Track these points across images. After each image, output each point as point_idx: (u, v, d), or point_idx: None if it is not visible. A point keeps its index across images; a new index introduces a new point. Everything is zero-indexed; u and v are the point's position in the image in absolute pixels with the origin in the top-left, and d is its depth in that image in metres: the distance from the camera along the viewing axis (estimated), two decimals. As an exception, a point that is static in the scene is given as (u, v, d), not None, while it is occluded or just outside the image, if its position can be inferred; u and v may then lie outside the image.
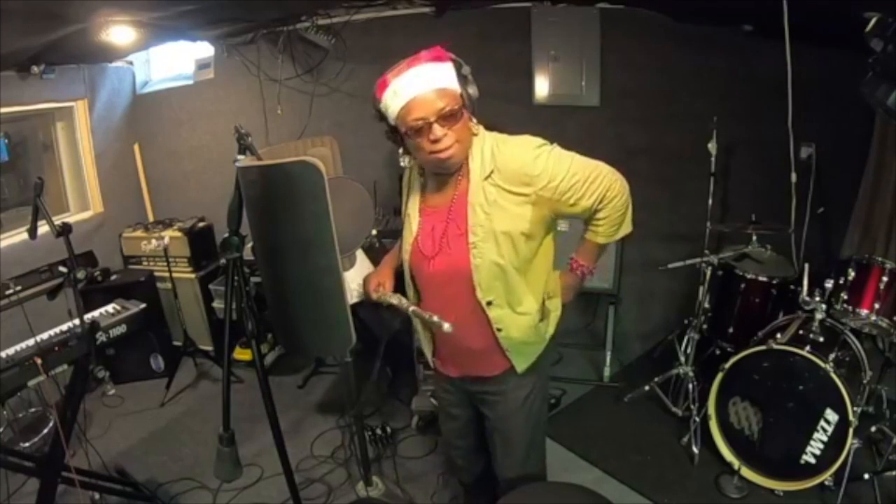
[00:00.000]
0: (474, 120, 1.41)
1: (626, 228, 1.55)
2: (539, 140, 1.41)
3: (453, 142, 1.35)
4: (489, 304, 1.46)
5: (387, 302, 1.57)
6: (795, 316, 2.51)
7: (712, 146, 2.79)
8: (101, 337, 2.03)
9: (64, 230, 1.93)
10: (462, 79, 1.35)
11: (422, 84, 1.30)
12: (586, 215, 1.50)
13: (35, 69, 3.06)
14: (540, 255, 1.50)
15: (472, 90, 1.37)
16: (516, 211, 1.39)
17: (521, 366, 1.56)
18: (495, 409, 1.64)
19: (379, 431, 2.75)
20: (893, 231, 2.77)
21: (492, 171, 1.38)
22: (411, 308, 1.52)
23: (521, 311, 1.49)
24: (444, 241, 1.47)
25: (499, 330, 1.49)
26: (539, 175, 1.36)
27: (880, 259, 2.34)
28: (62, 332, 2.01)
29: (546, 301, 1.56)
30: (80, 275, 1.97)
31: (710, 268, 2.68)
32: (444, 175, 1.46)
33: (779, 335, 2.33)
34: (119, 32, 2.57)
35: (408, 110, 1.32)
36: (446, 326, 1.43)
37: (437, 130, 1.32)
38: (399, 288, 1.65)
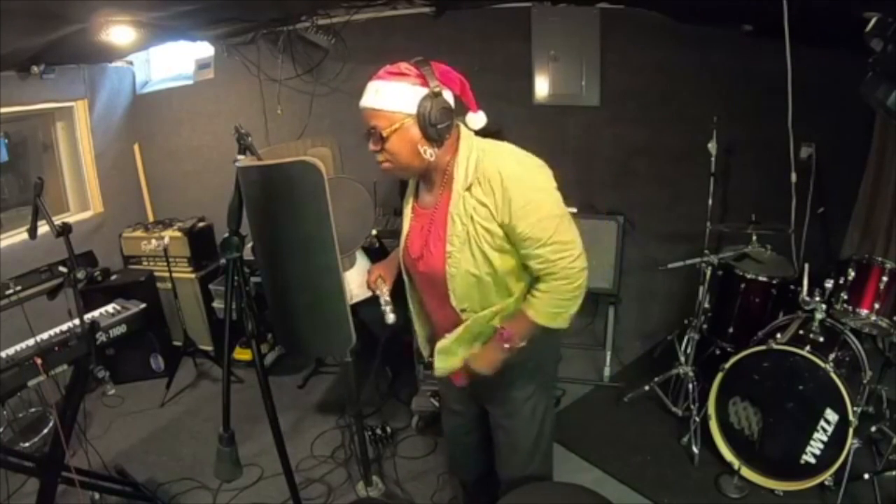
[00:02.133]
0: (432, 142, 1.34)
1: (562, 322, 1.42)
2: (535, 162, 1.37)
3: (384, 159, 1.37)
4: (463, 311, 1.46)
5: (376, 294, 1.66)
6: (795, 316, 2.51)
7: (712, 146, 2.79)
8: (101, 337, 2.03)
9: (64, 230, 1.93)
10: (425, 99, 1.30)
11: (365, 98, 1.34)
12: (529, 272, 1.43)
13: (35, 69, 3.06)
14: (522, 269, 1.45)
15: (433, 111, 1.30)
16: (487, 226, 1.36)
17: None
18: (499, 406, 1.64)
19: (379, 431, 2.75)
20: (893, 231, 2.77)
21: (472, 184, 1.36)
22: (383, 298, 1.63)
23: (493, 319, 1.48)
24: (426, 246, 1.47)
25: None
26: (512, 202, 1.31)
27: (880, 259, 2.34)
28: (62, 332, 2.01)
29: None
30: (80, 275, 1.96)
31: (710, 268, 2.68)
32: (432, 177, 1.45)
33: (779, 335, 2.33)
34: (119, 32, 2.57)
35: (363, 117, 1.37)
36: (390, 318, 1.58)
37: (370, 145, 1.37)
38: (400, 282, 1.67)
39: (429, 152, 1.36)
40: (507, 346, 1.45)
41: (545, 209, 1.34)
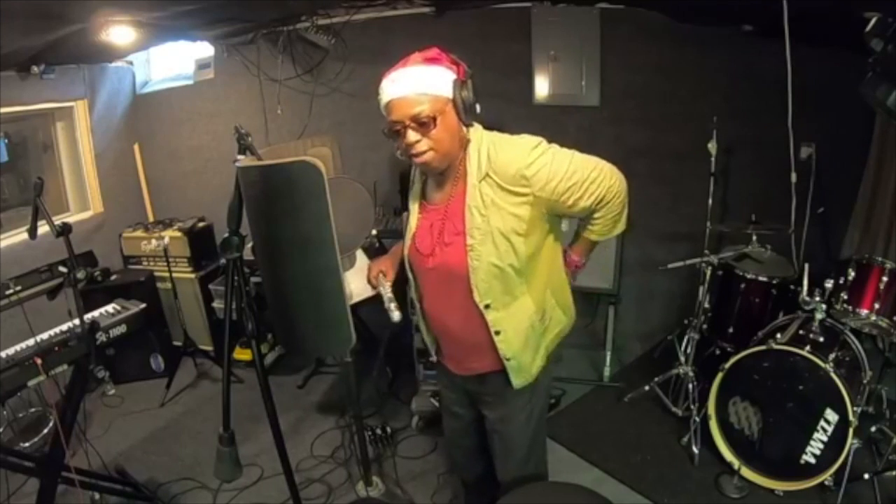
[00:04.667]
0: (465, 126, 1.38)
1: (622, 226, 1.54)
2: (536, 140, 1.38)
3: (427, 148, 1.34)
4: (487, 307, 1.45)
5: (379, 291, 1.64)
6: (795, 316, 2.50)
7: (712, 146, 2.79)
8: (101, 337, 2.03)
9: (64, 230, 1.93)
10: (457, 83, 1.32)
11: (401, 87, 1.31)
12: (584, 214, 1.50)
13: (35, 69, 3.06)
14: (542, 255, 1.47)
15: (466, 94, 1.33)
16: (514, 211, 1.37)
17: (518, 382, 1.54)
18: (495, 410, 1.64)
19: (379, 431, 2.75)
20: (893, 231, 2.77)
21: (487, 174, 1.37)
22: (386, 296, 1.60)
23: (519, 310, 1.47)
24: (440, 240, 1.46)
25: (497, 333, 1.47)
26: (536, 176, 1.34)
27: (880, 259, 2.34)
28: (62, 332, 2.01)
29: (548, 307, 1.53)
30: (80, 275, 1.96)
31: (710, 268, 2.68)
32: (444, 171, 1.44)
33: (779, 335, 2.33)
34: (119, 32, 2.57)
35: (388, 111, 1.35)
36: (395, 316, 1.54)
37: (410, 136, 1.33)
38: (401, 279, 1.67)
39: (469, 134, 1.39)
40: (578, 271, 1.66)
41: (564, 159, 1.37)
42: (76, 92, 3.55)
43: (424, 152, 1.34)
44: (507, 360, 1.50)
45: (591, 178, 1.39)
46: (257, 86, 3.73)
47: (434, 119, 1.31)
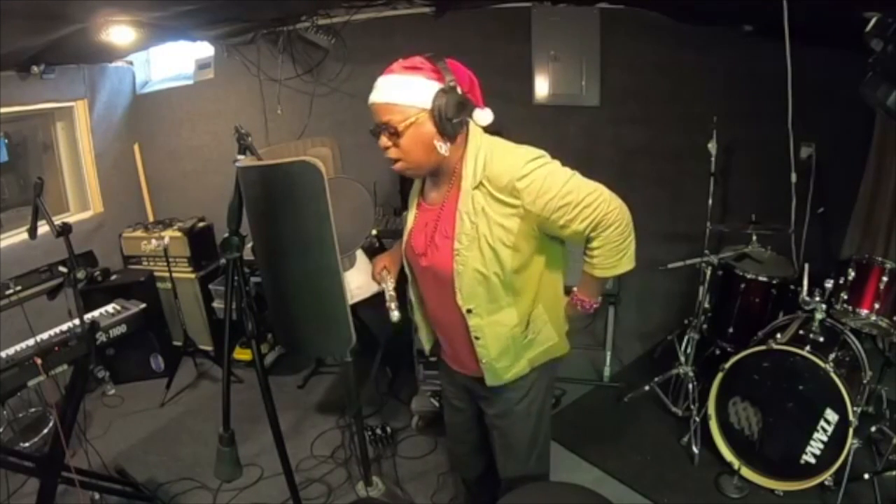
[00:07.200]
0: (445, 137, 1.33)
1: (627, 264, 1.44)
2: (536, 153, 1.35)
3: (397, 156, 1.36)
4: (469, 311, 1.45)
5: (382, 287, 1.67)
6: (795, 316, 2.51)
7: (712, 146, 2.79)
8: (101, 337, 2.03)
9: (64, 230, 1.93)
10: (439, 94, 1.29)
11: (378, 93, 1.33)
12: (579, 240, 1.43)
13: (35, 69, 3.06)
14: (531, 272, 1.45)
15: (449, 105, 1.29)
16: (503, 222, 1.35)
17: (490, 380, 1.54)
18: (492, 406, 1.64)
19: (379, 431, 2.75)
20: (893, 231, 2.77)
21: (481, 182, 1.36)
22: (388, 294, 1.64)
23: (501, 320, 1.47)
24: (432, 242, 1.47)
25: (476, 338, 1.48)
26: (527, 189, 1.31)
27: (880, 259, 2.34)
28: (62, 332, 2.01)
29: (537, 321, 1.51)
30: (80, 275, 1.96)
31: (710, 268, 2.68)
32: (439, 174, 1.45)
33: (779, 335, 2.33)
34: (119, 32, 2.57)
35: (371, 113, 1.36)
36: (394, 316, 1.62)
37: (382, 140, 1.36)
38: (402, 276, 1.68)
39: (443, 148, 1.36)
40: (588, 311, 1.57)
41: (560, 177, 1.34)
42: (76, 92, 3.55)
43: (395, 160, 1.37)
44: (482, 362, 1.51)
45: (586, 201, 1.34)
46: (257, 86, 3.73)
47: (398, 132, 1.31)
